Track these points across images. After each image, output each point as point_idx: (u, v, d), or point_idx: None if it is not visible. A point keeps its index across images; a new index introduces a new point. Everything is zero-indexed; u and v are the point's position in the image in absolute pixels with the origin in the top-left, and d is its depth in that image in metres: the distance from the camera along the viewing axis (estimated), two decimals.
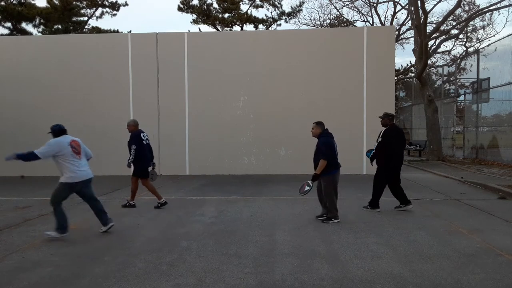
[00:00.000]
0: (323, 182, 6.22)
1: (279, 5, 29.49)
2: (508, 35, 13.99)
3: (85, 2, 28.20)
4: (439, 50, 25.68)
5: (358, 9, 33.09)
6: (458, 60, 22.60)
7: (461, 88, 21.33)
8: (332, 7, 29.97)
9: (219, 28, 29.42)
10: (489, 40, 25.59)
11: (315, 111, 12.87)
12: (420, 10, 16.53)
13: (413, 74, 26.97)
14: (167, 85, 13.26)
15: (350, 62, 12.85)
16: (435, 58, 29.34)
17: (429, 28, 21.26)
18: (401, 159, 7.13)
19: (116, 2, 28.67)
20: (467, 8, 24.16)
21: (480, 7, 23.21)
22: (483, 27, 25.90)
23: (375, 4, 28.21)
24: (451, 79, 22.32)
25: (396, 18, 29.67)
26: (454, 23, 24.22)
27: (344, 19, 30.33)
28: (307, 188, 6.10)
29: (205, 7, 29.05)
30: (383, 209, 7.25)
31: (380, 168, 7.13)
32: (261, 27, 29.45)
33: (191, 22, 31.00)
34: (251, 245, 5.09)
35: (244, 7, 29.51)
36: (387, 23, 27.99)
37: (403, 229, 5.83)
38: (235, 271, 4.22)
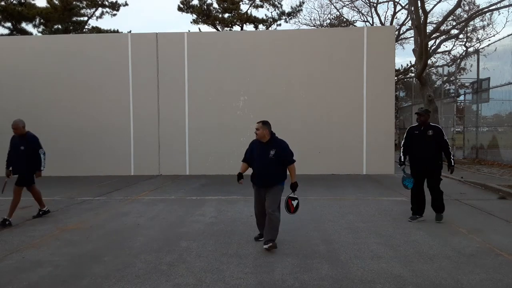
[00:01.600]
0: (273, 192, 5.01)
1: (279, 5, 29.52)
2: (508, 35, 13.96)
3: (85, 2, 28.20)
4: (439, 50, 25.72)
5: (358, 9, 33.12)
6: (458, 60, 22.59)
7: (461, 88, 21.31)
8: (332, 7, 30.01)
9: (219, 28, 29.42)
10: (489, 40, 25.60)
11: (315, 111, 12.91)
12: (420, 10, 16.52)
13: (413, 74, 26.96)
14: (167, 85, 13.26)
15: (350, 62, 12.86)
16: (435, 58, 29.36)
17: (429, 28, 21.26)
18: None
19: (116, 2, 28.68)
20: (467, 8, 24.17)
21: (480, 7, 23.22)
22: (483, 27, 25.91)
23: (375, 4, 28.22)
24: (451, 79, 22.30)
25: (396, 18, 29.66)
26: (454, 23, 24.22)
27: (344, 19, 30.35)
28: (295, 202, 5.10)
29: (205, 7, 29.06)
30: (383, 209, 7.25)
31: (438, 171, 6.28)
32: (261, 27, 29.46)
33: (191, 22, 31.03)
34: (251, 245, 5.09)
35: (244, 7, 29.55)
36: (387, 23, 28.01)
37: (403, 229, 5.83)
38: (235, 271, 4.22)
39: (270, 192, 5.00)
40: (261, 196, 5.10)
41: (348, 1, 27.98)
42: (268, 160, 4.99)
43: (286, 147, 5.14)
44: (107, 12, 29.13)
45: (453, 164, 6.21)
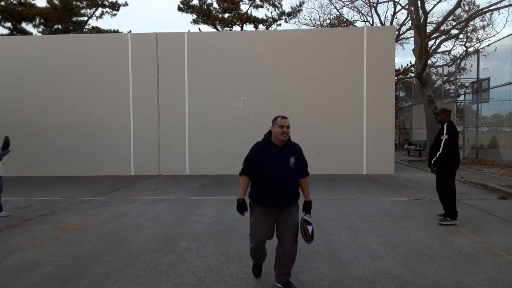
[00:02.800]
0: (293, 216, 3.71)
1: (279, 5, 29.55)
2: (508, 35, 13.97)
3: (85, 2, 28.22)
4: (439, 50, 25.74)
5: (358, 9, 33.30)
6: (458, 60, 22.59)
7: (461, 88, 21.32)
8: (332, 7, 30.12)
9: (219, 28, 29.43)
10: (489, 40, 25.65)
11: (315, 111, 12.91)
12: (420, 10, 16.53)
13: (413, 74, 26.98)
14: (167, 85, 13.27)
15: (350, 62, 12.86)
16: (435, 58, 29.39)
17: (429, 28, 21.27)
18: (459, 163, 6.37)
19: (116, 2, 28.69)
20: (467, 8, 24.20)
21: (480, 7, 23.25)
22: (483, 27, 25.95)
23: (375, 4, 28.25)
24: (451, 79, 22.31)
25: (396, 18, 29.75)
26: (454, 23, 24.23)
27: (344, 19, 30.39)
28: (311, 227, 3.73)
29: (205, 7, 29.07)
30: (383, 209, 7.25)
31: (443, 171, 6.15)
32: (261, 27, 29.47)
33: (191, 22, 31.05)
34: None
35: (244, 7, 29.57)
36: (387, 23, 28.02)
37: (403, 229, 5.83)
38: (235, 271, 4.22)
39: (289, 216, 3.67)
40: (271, 222, 3.70)
41: (348, 1, 28.04)
42: (289, 171, 3.66)
43: (302, 152, 3.82)
44: (107, 12, 29.17)
45: (432, 163, 6.12)
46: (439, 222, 6.10)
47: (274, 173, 3.60)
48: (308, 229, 3.71)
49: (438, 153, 6.03)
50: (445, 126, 6.12)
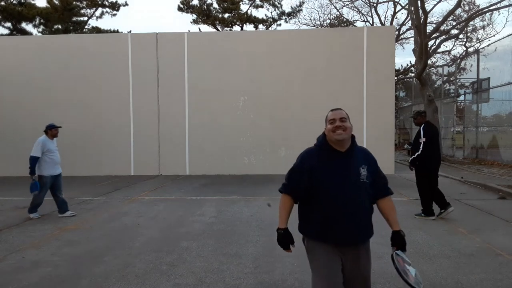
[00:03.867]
0: (366, 259, 2.79)
1: (279, 5, 29.56)
2: (508, 35, 13.99)
3: (85, 2, 28.21)
4: (439, 50, 25.74)
5: (358, 9, 33.39)
6: (458, 60, 22.59)
7: (461, 88, 21.32)
8: (332, 7, 30.12)
9: (219, 28, 29.43)
10: (489, 40, 25.66)
11: (315, 111, 12.90)
12: (420, 10, 16.51)
13: (413, 74, 26.98)
14: (167, 85, 13.27)
15: (350, 62, 12.86)
16: (435, 58, 29.39)
17: (429, 28, 21.26)
18: (440, 159, 6.70)
19: (116, 2, 28.69)
20: (467, 8, 24.19)
21: (480, 7, 23.24)
22: (483, 27, 25.95)
23: (375, 4, 28.25)
24: (451, 79, 22.31)
25: (396, 18, 29.78)
26: (454, 23, 24.23)
27: (344, 19, 30.40)
28: (413, 269, 2.74)
29: (205, 7, 29.08)
30: None
31: (421, 171, 6.49)
32: (261, 27, 29.48)
33: (191, 22, 31.07)
34: (251, 245, 5.09)
35: (244, 7, 29.58)
36: (387, 23, 28.02)
37: (403, 229, 5.80)
38: (235, 271, 4.22)
39: (361, 258, 2.66)
40: (337, 268, 2.58)
41: (348, 1, 28.04)
42: (359, 187, 2.49)
43: (376, 161, 2.66)
44: (107, 12, 29.16)
45: (409, 161, 6.63)
46: (416, 215, 6.56)
47: (338, 192, 2.43)
48: (409, 270, 2.60)
49: (417, 153, 6.39)
50: (421, 128, 6.43)
